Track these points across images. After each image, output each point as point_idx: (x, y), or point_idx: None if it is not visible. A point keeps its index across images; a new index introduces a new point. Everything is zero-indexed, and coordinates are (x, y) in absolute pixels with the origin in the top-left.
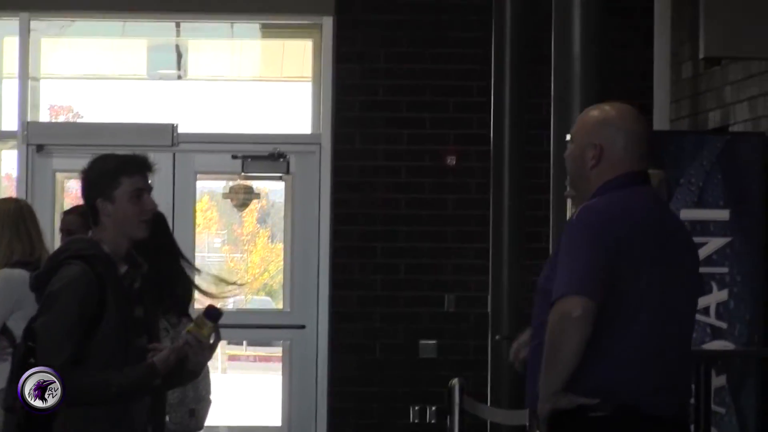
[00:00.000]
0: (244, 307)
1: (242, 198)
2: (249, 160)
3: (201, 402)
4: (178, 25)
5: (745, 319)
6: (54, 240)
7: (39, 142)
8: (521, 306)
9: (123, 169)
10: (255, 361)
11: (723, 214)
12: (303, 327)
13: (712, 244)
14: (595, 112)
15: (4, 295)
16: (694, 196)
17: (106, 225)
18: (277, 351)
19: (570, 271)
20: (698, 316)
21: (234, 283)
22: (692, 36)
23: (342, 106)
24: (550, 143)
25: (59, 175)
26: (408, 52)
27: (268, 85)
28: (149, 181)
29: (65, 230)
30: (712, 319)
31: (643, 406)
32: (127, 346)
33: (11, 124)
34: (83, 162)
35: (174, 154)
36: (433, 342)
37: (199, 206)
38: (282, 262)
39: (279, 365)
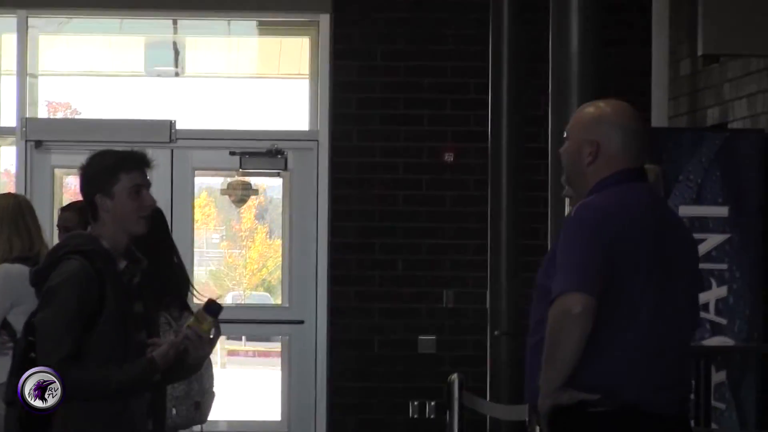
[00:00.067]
0: (243, 302)
1: (240, 194)
2: (247, 156)
3: (205, 395)
4: (175, 23)
5: (744, 315)
6: (53, 236)
7: (37, 138)
8: (520, 302)
9: (121, 165)
10: (254, 356)
11: (722, 211)
12: (302, 322)
13: (711, 241)
14: (590, 109)
15: (4, 291)
16: (693, 193)
17: (105, 221)
18: (276, 346)
19: (569, 268)
20: None
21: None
22: (690, 33)
23: (339, 103)
24: (548, 140)
25: (58, 171)
26: (405, 50)
27: (266, 82)
28: (148, 177)
29: (62, 227)
30: (711, 315)
31: (643, 402)
32: (127, 341)
33: (10, 120)
34: (82, 158)
35: (172, 151)
36: (432, 338)
37: (198, 202)
38: (280, 258)
39: (278, 360)
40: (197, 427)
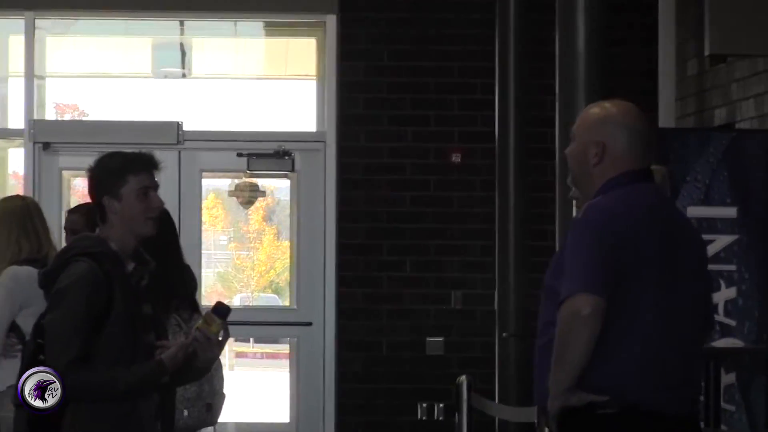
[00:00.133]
0: (251, 304)
1: (248, 196)
2: (254, 157)
3: (216, 396)
4: (182, 24)
5: (753, 316)
6: (61, 238)
7: (45, 140)
8: (528, 303)
9: (129, 167)
10: (262, 357)
11: (730, 212)
12: (310, 324)
13: (719, 242)
14: (596, 110)
15: (13, 293)
16: (701, 194)
17: (113, 222)
18: (284, 348)
19: (577, 269)
20: None
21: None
22: (697, 33)
23: (346, 103)
24: (555, 141)
25: (66, 173)
26: (412, 50)
27: (273, 83)
28: (155, 179)
29: (69, 229)
30: (720, 317)
31: (652, 403)
32: (135, 342)
33: (18, 122)
34: (89, 160)
35: (179, 152)
36: (440, 339)
37: (205, 204)
38: (288, 260)
39: (286, 362)
40: (208, 429)
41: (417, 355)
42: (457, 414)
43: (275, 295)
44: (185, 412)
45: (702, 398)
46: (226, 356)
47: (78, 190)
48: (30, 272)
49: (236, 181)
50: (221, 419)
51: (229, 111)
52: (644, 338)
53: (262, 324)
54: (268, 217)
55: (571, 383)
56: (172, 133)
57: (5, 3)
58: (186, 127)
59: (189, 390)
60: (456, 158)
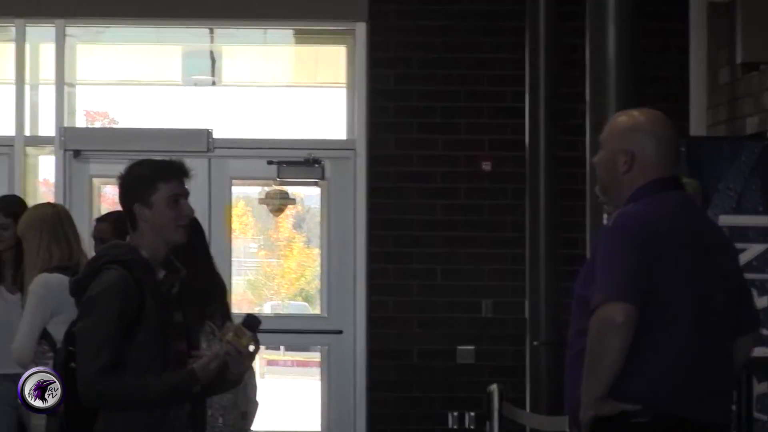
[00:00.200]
0: (282, 312)
1: (278, 203)
2: (284, 165)
3: (250, 404)
4: (212, 31)
5: None
6: (91, 245)
7: (76, 148)
8: (558, 312)
9: (160, 175)
10: (293, 365)
11: (762, 220)
12: (340, 332)
13: (751, 251)
14: (624, 118)
15: (44, 300)
16: (733, 202)
17: (144, 230)
18: (315, 356)
19: (609, 277)
20: None
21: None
22: (729, 41)
23: (376, 111)
24: (586, 149)
25: (96, 181)
26: (441, 58)
27: (303, 90)
28: (186, 187)
29: (97, 238)
30: None
31: (684, 412)
32: (166, 350)
33: (48, 129)
34: (120, 167)
35: (209, 160)
36: (471, 347)
37: (235, 211)
38: (318, 268)
39: (317, 370)
40: None
41: (448, 363)
42: (488, 423)
43: (305, 303)
44: (220, 420)
45: (734, 407)
46: (257, 364)
47: (108, 197)
48: (61, 279)
49: (266, 188)
50: (253, 427)
51: (259, 118)
52: (677, 346)
53: (292, 332)
54: (297, 225)
55: (604, 392)
56: (202, 140)
57: (36, 11)
58: (216, 135)
59: (225, 398)
60: (486, 166)
